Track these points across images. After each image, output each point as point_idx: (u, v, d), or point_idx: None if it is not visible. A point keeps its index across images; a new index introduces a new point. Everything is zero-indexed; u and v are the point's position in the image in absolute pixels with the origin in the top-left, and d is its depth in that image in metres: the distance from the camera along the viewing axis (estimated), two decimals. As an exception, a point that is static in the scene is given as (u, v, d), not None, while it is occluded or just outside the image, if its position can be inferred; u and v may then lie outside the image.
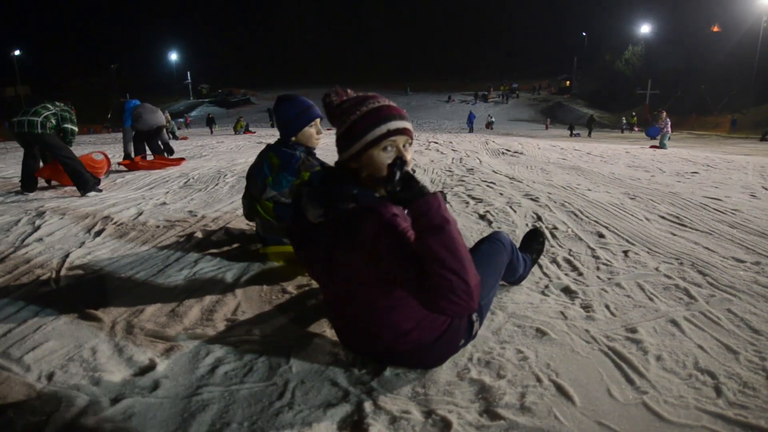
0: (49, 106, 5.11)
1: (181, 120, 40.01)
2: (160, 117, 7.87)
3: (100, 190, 5.17)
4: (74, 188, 5.09)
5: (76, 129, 5.29)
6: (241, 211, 3.99)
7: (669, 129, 14.70)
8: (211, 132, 26.60)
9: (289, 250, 2.61)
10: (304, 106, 2.63)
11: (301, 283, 2.40)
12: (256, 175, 2.66)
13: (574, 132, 29.20)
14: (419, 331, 1.50)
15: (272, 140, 2.89)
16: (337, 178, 1.46)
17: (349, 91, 1.52)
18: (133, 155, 7.41)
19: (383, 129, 1.39)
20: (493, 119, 38.71)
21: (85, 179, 5.01)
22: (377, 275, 1.38)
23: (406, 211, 1.35)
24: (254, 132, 22.40)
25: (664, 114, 15.32)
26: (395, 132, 1.40)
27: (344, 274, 1.45)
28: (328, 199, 1.42)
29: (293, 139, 2.62)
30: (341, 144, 1.45)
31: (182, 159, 8.10)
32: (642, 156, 9.97)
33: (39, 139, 5.03)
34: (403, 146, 1.43)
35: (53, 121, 5.06)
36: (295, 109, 2.60)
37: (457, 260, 1.24)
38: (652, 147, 13.92)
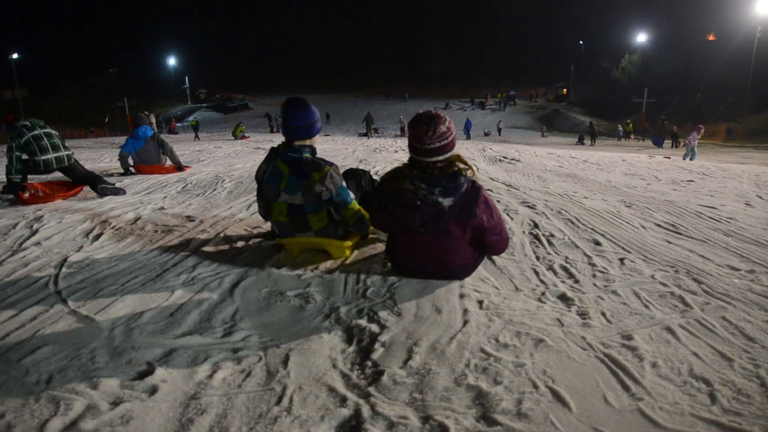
0: (53, 132, 5.13)
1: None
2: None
3: (123, 192, 5.26)
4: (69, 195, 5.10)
5: None
6: (239, 216, 4.01)
7: (690, 141, 15.58)
8: (196, 138, 25.18)
9: (303, 241, 2.87)
10: (318, 114, 2.86)
11: (300, 289, 2.41)
12: (269, 182, 2.79)
13: (583, 141, 29.33)
14: (473, 255, 2.52)
15: (270, 145, 3.01)
16: (443, 173, 2.36)
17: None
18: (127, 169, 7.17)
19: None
20: (486, 130, 39.74)
21: (103, 182, 5.18)
22: (471, 227, 2.39)
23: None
24: (249, 137, 22.40)
25: (702, 130, 16.22)
26: None
27: (449, 234, 2.39)
28: (448, 189, 2.34)
29: (304, 142, 2.79)
30: (441, 152, 2.34)
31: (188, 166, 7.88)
32: (638, 164, 10.02)
33: (71, 168, 5.20)
34: None
35: None
36: (315, 116, 2.81)
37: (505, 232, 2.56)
38: (666, 157, 13.98)
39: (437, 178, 2.34)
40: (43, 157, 4.93)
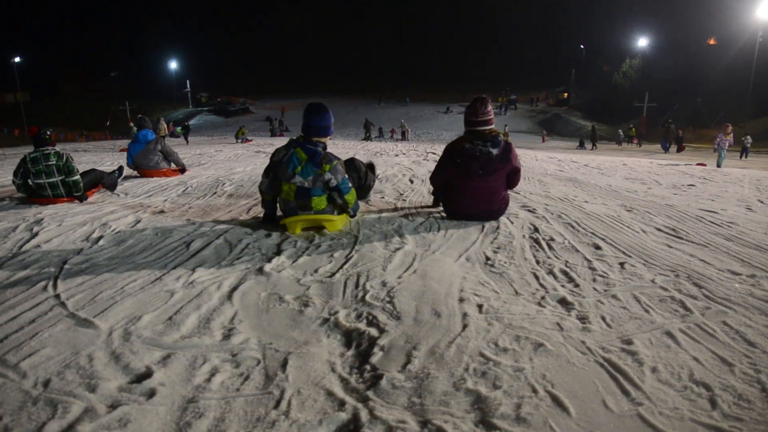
0: (57, 182, 4.93)
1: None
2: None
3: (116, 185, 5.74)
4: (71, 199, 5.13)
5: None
6: (239, 219, 4.00)
7: (719, 144, 13.33)
8: (187, 142, 23.42)
9: (304, 219, 3.49)
10: (333, 118, 3.62)
11: (299, 293, 2.41)
12: (286, 164, 3.44)
13: (584, 145, 29.27)
14: (505, 201, 3.98)
15: (272, 148, 3.34)
16: (489, 135, 3.80)
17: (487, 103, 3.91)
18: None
19: None
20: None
21: (111, 181, 5.62)
22: (506, 174, 3.83)
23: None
24: (251, 140, 22.35)
25: (730, 128, 13.68)
26: None
27: (494, 179, 3.78)
28: (494, 143, 3.75)
29: (320, 139, 3.51)
30: (488, 124, 3.83)
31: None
32: (639, 168, 10.02)
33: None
34: None
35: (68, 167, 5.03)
36: (332, 119, 3.58)
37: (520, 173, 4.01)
38: (699, 164, 12.70)
39: (485, 138, 3.81)
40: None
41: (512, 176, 3.91)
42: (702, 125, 36.09)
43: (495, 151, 3.74)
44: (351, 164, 4.01)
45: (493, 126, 3.85)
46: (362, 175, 4.08)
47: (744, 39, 36.79)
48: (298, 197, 3.45)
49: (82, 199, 5.02)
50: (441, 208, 4.25)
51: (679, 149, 25.04)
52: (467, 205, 3.84)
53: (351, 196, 3.61)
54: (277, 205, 3.73)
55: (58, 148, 5.09)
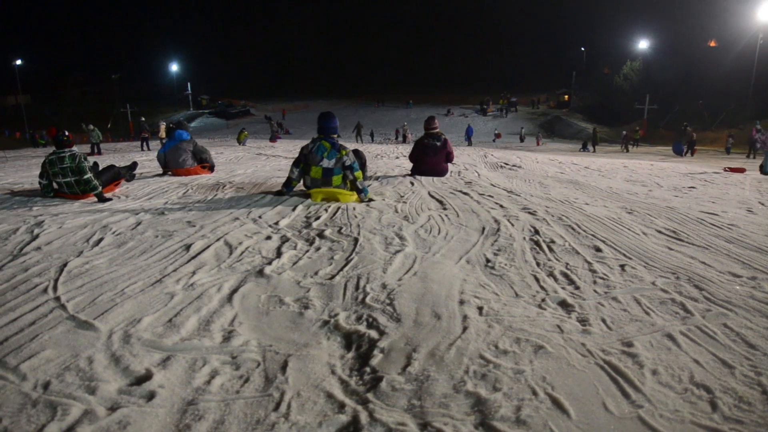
0: (73, 183, 5.19)
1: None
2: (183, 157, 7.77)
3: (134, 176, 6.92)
4: (76, 199, 5.17)
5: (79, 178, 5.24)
6: (237, 222, 4.01)
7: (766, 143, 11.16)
8: (142, 149, 20.64)
9: (325, 191, 4.98)
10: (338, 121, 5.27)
11: (299, 295, 2.40)
12: (315, 152, 5.00)
13: (587, 148, 29.17)
14: (447, 168, 7.72)
15: (272, 151, 3.73)
16: (433, 134, 7.49)
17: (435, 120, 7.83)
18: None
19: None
20: (495, 133, 39.63)
21: (128, 173, 6.62)
22: (445, 155, 7.50)
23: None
24: (274, 142, 22.05)
25: None
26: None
27: (439, 157, 7.44)
28: (438, 139, 7.44)
29: (333, 136, 5.09)
30: (436, 129, 7.62)
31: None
32: (639, 170, 10.01)
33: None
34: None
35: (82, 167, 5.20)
36: (337, 122, 5.18)
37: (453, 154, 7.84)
38: (728, 169, 11.09)
39: (434, 137, 7.40)
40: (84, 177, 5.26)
41: (448, 156, 7.39)
42: (703, 127, 36.02)
43: (438, 144, 7.27)
44: (356, 152, 5.62)
45: (438, 129, 7.51)
46: (364, 160, 5.89)
47: (744, 41, 36.77)
48: (324, 176, 4.99)
49: (99, 196, 5.19)
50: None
51: (691, 152, 24.73)
52: (426, 169, 7.32)
53: (359, 173, 5.06)
54: (297, 183, 5.22)
55: (75, 149, 5.34)
